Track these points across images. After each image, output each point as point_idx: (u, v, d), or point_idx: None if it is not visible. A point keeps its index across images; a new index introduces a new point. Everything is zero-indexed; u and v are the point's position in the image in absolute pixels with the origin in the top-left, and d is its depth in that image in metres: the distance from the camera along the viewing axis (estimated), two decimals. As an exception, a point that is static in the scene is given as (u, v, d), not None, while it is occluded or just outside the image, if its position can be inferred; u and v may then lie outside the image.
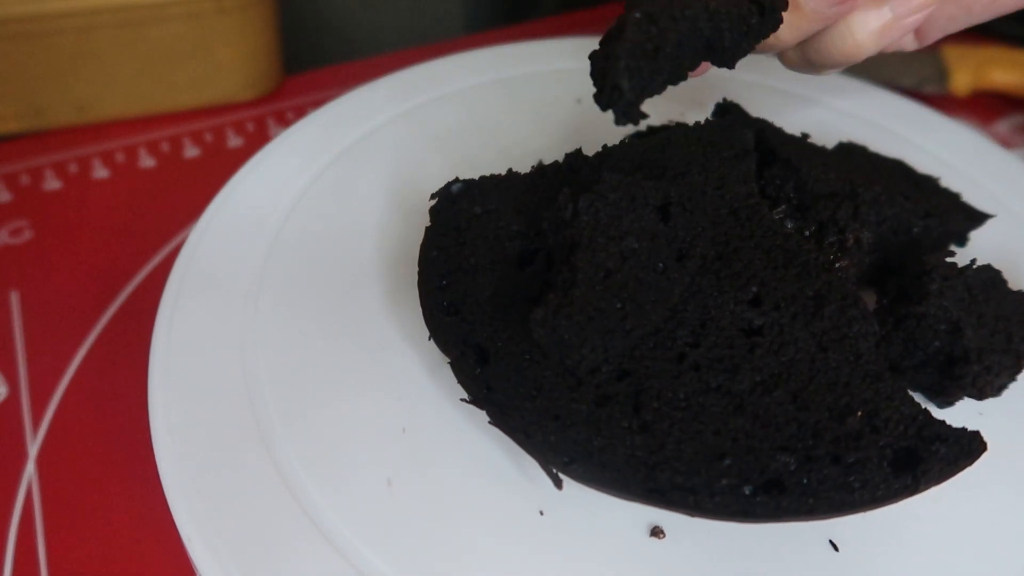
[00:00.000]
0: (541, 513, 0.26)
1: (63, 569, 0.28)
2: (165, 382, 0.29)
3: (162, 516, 0.29)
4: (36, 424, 0.32)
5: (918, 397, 0.29)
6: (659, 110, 0.42)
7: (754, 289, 0.28)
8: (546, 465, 0.25)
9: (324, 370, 0.30)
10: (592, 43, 0.27)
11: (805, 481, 0.24)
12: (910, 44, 0.31)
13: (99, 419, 0.33)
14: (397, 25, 0.63)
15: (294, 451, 0.27)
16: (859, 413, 0.25)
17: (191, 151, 0.46)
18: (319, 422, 0.28)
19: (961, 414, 0.29)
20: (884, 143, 0.41)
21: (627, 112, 0.25)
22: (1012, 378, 0.29)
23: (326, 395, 0.29)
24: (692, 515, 0.24)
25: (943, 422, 0.25)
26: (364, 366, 0.30)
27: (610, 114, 0.25)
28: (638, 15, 0.24)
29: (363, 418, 0.28)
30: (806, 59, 0.30)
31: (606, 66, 0.24)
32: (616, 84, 0.24)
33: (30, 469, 0.31)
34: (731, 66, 0.27)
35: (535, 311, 0.25)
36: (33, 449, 0.32)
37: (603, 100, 0.25)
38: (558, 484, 0.25)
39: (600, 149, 0.33)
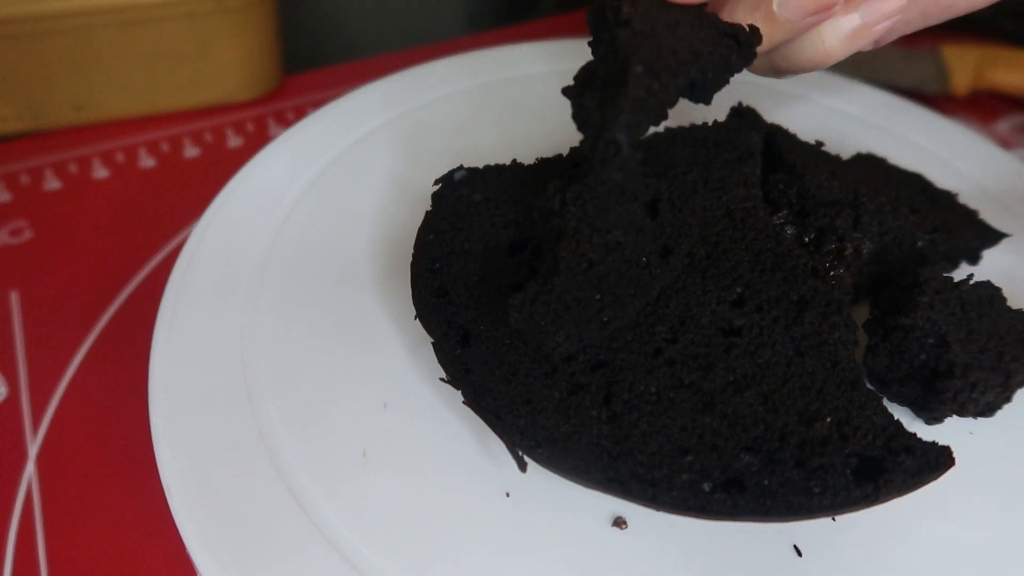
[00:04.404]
0: (507, 495, 0.27)
1: (63, 569, 0.28)
2: (165, 382, 0.29)
3: (162, 516, 0.29)
4: (36, 424, 0.32)
5: (905, 412, 0.29)
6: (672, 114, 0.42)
7: (739, 290, 0.28)
8: (512, 447, 0.25)
9: (324, 368, 0.30)
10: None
11: (766, 482, 0.24)
12: (866, 45, 0.31)
13: (99, 419, 0.33)
14: (397, 25, 0.63)
15: (295, 452, 0.27)
16: (828, 419, 0.25)
17: (191, 151, 0.46)
18: (319, 422, 0.28)
19: (951, 432, 0.29)
20: (884, 143, 0.42)
21: (623, 166, 0.24)
22: (1003, 398, 0.28)
23: (325, 391, 0.29)
24: (649, 507, 0.24)
25: (914, 434, 0.25)
26: (361, 361, 0.30)
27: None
28: (639, 69, 0.23)
29: (348, 394, 0.29)
30: (772, 65, 0.30)
31: (603, 119, 0.24)
32: (614, 139, 0.24)
33: (30, 469, 0.31)
34: (708, 102, 0.27)
35: (513, 296, 0.26)
36: (33, 449, 0.32)
37: (596, 152, 0.24)
38: (522, 467, 0.25)
39: None
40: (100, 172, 0.44)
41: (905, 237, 0.32)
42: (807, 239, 0.31)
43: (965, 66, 0.51)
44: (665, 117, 0.25)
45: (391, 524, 0.26)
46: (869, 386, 0.28)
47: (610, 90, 0.24)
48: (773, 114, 0.39)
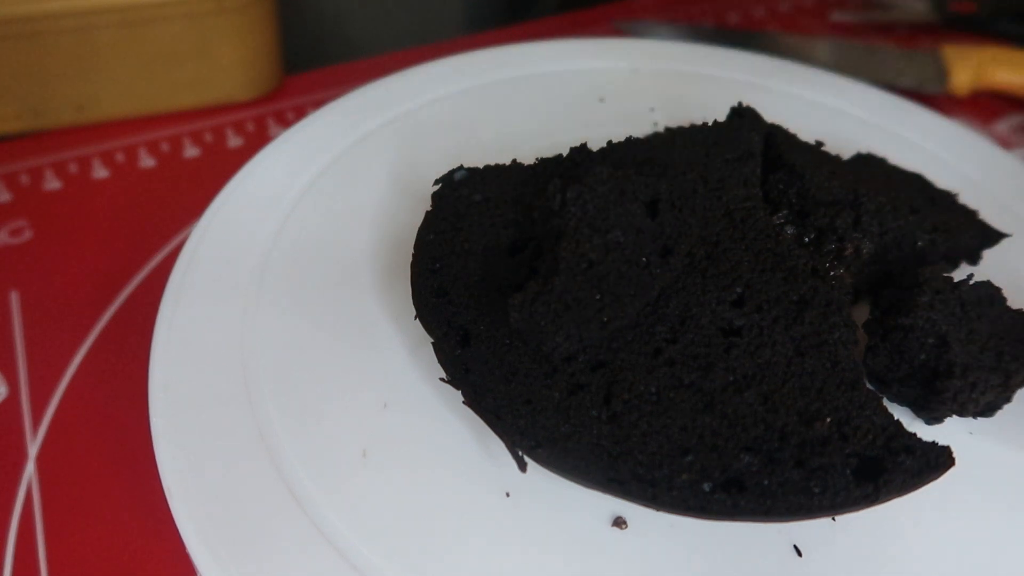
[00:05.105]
0: (507, 495, 0.27)
1: (63, 569, 0.28)
2: (165, 381, 0.29)
3: (162, 516, 0.29)
4: (36, 424, 0.32)
5: (905, 412, 0.29)
6: (672, 113, 0.42)
7: (739, 290, 0.28)
8: (512, 447, 0.25)
9: (324, 369, 0.30)
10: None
11: (765, 482, 0.24)
12: None
13: (99, 419, 0.33)
14: (397, 25, 0.63)
15: (295, 452, 0.27)
16: (828, 419, 0.25)
17: (191, 151, 0.46)
18: (319, 422, 0.28)
19: (951, 432, 0.29)
20: (884, 143, 0.42)
21: None
22: (1003, 398, 0.28)
23: (325, 391, 0.29)
24: (649, 507, 0.24)
25: (913, 434, 0.25)
26: (360, 361, 0.30)
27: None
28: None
29: (348, 394, 0.29)
30: None
31: None
32: None
33: (30, 469, 0.31)
34: None
35: (514, 296, 0.26)
36: (33, 449, 0.32)
37: None
38: (522, 467, 0.25)
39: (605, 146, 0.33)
40: (100, 172, 0.44)
41: (905, 237, 0.32)
42: (807, 239, 0.31)
43: (965, 66, 0.51)
44: None
45: (391, 524, 0.26)
46: (869, 386, 0.28)
47: None
48: (773, 114, 0.39)
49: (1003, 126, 0.51)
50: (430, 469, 0.27)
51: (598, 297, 0.26)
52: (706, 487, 0.24)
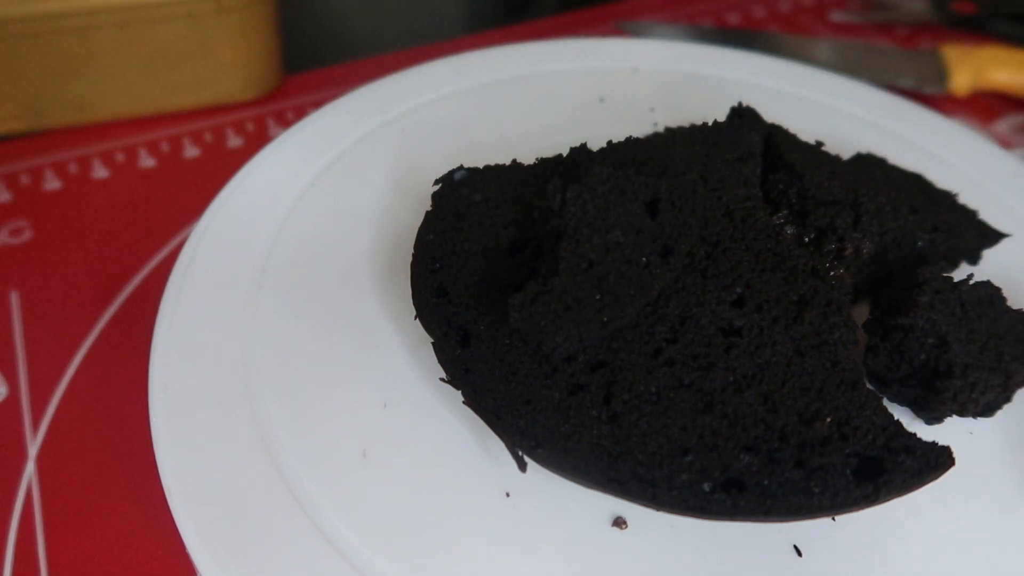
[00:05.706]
0: (507, 495, 0.27)
1: (63, 569, 0.28)
2: (165, 381, 0.29)
3: (162, 516, 0.29)
4: (36, 424, 0.32)
5: (905, 412, 0.29)
6: (672, 113, 0.42)
7: (739, 290, 0.28)
8: (512, 447, 0.25)
9: (325, 369, 0.30)
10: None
11: (765, 482, 0.24)
12: None
13: (99, 419, 0.33)
14: (397, 25, 0.63)
15: (295, 452, 0.27)
16: (828, 419, 0.25)
17: (191, 151, 0.46)
18: (320, 422, 0.28)
19: (951, 432, 0.29)
20: (884, 143, 0.42)
21: None
22: (1003, 398, 0.28)
23: (325, 391, 0.29)
24: (649, 507, 0.24)
25: (913, 435, 0.25)
26: (360, 361, 0.30)
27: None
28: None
29: (348, 394, 0.29)
30: None
31: None
32: None
33: (30, 469, 0.31)
34: None
35: (514, 296, 0.26)
36: (33, 449, 0.32)
37: None
38: (522, 467, 0.25)
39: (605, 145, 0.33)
40: (100, 172, 0.44)
41: (905, 237, 0.32)
42: (807, 239, 0.31)
43: (965, 66, 0.51)
44: None
45: (391, 524, 0.26)
46: (869, 386, 0.28)
47: None
48: (773, 114, 0.39)
49: (1003, 126, 0.51)
50: (430, 469, 0.27)
51: (598, 297, 0.26)
52: (706, 487, 0.24)
